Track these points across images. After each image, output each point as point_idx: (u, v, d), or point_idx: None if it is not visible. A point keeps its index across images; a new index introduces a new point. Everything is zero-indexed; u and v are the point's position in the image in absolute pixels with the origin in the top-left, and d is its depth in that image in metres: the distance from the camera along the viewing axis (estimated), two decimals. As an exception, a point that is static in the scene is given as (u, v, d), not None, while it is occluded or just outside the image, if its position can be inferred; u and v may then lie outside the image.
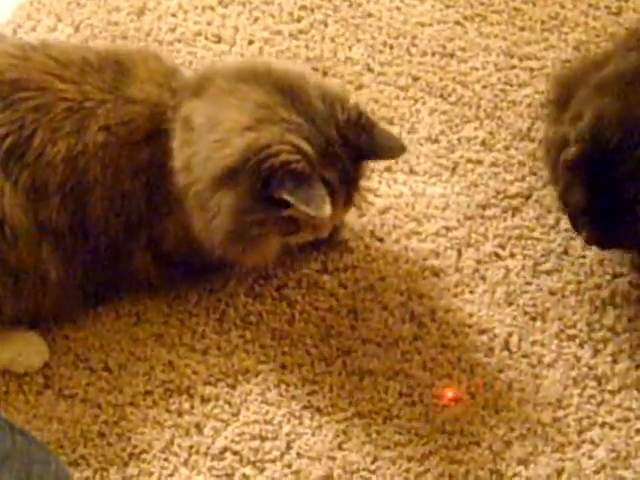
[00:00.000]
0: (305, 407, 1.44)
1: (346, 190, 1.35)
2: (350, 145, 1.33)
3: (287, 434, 1.42)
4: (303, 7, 1.82)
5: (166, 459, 1.40)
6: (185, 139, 1.35)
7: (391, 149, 1.38)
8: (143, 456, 1.40)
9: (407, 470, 1.40)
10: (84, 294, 1.44)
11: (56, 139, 1.35)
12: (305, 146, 1.30)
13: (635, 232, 1.40)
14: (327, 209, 1.27)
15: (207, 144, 1.32)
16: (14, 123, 1.34)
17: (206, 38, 1.78)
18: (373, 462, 1.41)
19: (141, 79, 1.40)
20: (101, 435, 1.41)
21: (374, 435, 1.42)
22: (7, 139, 1.34)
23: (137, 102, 1.38)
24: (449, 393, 1.44)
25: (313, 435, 1.42)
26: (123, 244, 1.41)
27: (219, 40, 1.78)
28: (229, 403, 1.44)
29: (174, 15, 1.81)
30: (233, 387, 1.45)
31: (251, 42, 1.78)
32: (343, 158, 1.33)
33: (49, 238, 1.37)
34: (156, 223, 1.41)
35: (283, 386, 1.45)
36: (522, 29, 1.79)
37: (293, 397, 1.45)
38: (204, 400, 1.44)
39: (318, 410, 1.44)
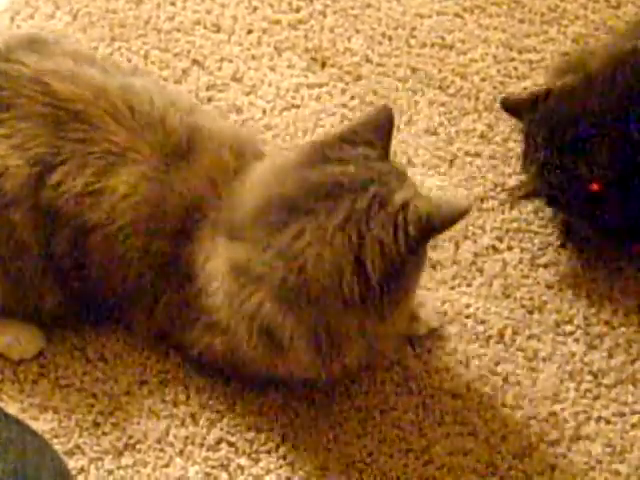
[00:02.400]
0: (301, 398, 1.44)
1: None
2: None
3: (282, 426, 1.42)
4: (302, -4, 1.81)
5: (161, 449, 1.40)
6: (243, 283, 1.26)
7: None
8: (138, 446, 1.40)
9: (405, 465, 1.40)
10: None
11: (79, 174, 1.32)
12: (405, 194, 1.25)
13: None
14: (465, 202, 1.31)
15: (309, 291, 1.23)
16: (53, 147, 1.32)
17: (205, 27, 1.78)
18: (369, 455, 1.41)
19: (195, 170, 1.33)
20: (96, 425, 1.41)
21: (370, 428, 1.42)
22: (42, 159, 1.32)
23: (176, 191, 1.33)
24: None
25: (309, 427, 1.42)
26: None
27: (218, 29, 1.77)
28: (225, 394, 1.44)
29: (173, 4, 1.80)
30: (229, 378, 1.45)
31: (250, 32, 1.77)
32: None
33: (52, 269, 1.36)
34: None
35: (279, 378, 1.46)
36: (521, 21, 1.79)
37: (289, 389, 1.45)
38: (200, 391, 1.44)
39: (313, 403, 1.44)
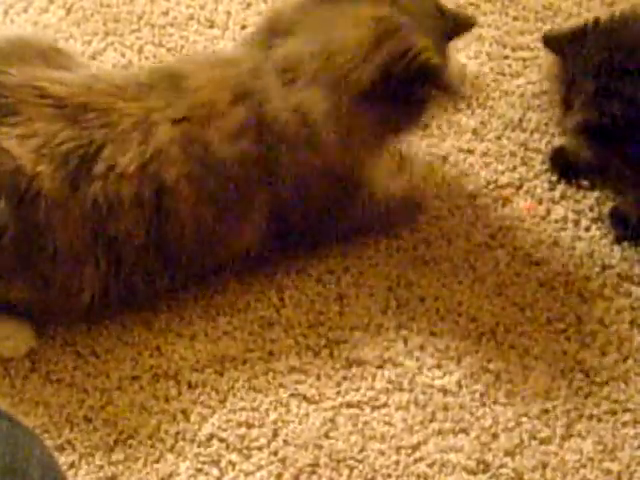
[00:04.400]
0: (292, 395, 1.44)
1: None
2: (441, 29, 1.46)
3: (274, 422, 1.42)
4: (296, -7, 1.81)
5: (152, 445, 1.40)
6: (290, 77, 1.39)
7: (465, 24, 1.50)
8: (129, 442, 1.40)
9: (396, 461, 1.40)
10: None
11: (126, 150, 1.35)
12: (428, 42, 1.40)
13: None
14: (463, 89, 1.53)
15: (333, 68, 1.38)
16: (83, 139, 1.34)
17: (199, 22, 1.77)
18: (361, 451, 1.41)
19: (197, 78, 1.41)
20: (87, 420, 1.41)
21: (361, 424, 1.42)
22: (77, 152, 1.34)
23: (202, 88, 1.40)
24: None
25: (300, 423, 1.42)
26: (227, 220, 1.41)
27: (212, 25, 1.77)
28: (216, 390, 1.44)
29: (167, -1, 1.80)
30: (220, 374, 1.45)
31: (244, 27, 1.77)
32: (444, 44, 1.46)
33: (100, 257, 1.36)
34: (272, 178, 1.41)
35: (270, 374, 1.45)
36: (515, 19, 1.79)
37: (280, 385, 1.45)
38: (191, 386, 1.44)
39: (305, 398, 1.44)
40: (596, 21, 1.49)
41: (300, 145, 1.40)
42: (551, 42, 1.52)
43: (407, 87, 1.40)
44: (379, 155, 1.48)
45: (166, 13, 1.78)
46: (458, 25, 1.49)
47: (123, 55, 1.72)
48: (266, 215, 1.43)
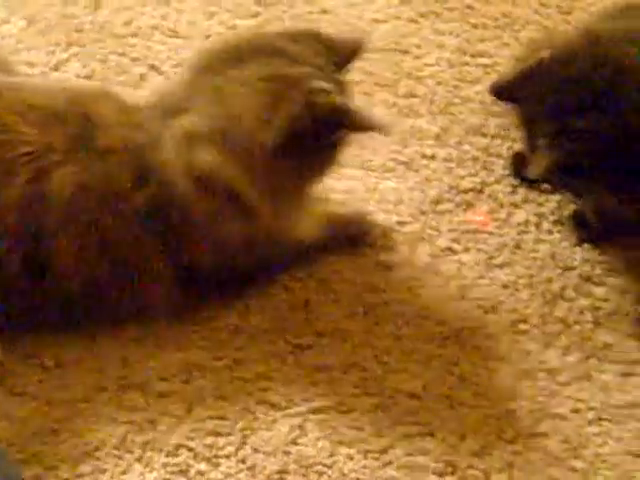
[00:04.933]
0: (260, 402, 1.44)
1: None
2: (334, 65, 1.41)
3: (242, 429, 1.42)
4: (259, 2, 1.83)
5: (120, 456, 1.39)
6: (193, 151, 1.34)
7: (355, 49, 1.45)
8: (96, 453, 1.39)
9: (364, 466, 1.40)
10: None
11: (12, 184, 1.31)
12: (327, 85, 1.36)
13: None
14: (381, 119, 1.40)
15: (239, 137, 1.34)
16: None
17: (162, 32, 1.78)
18: (329, 456, 1.41)
19: (105, 123, 1.37)
20: (53, 432, 1.40)
21: (329, 430, 1.43)
22: None
23: (110, 151, 1.35)
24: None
25: (268, 430, 1.42)
26: (123, 284, 1.40)
27: (175, 34, 1.78)
28: (183, 399, 1.44)
29: (130, 9, 1.80)
30: (187, 383, 1.45)
31: (207, 37, 1.78)
32: (343, 81, 1.42)
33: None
34: (178, 251, 1.39)
35: (237, 382, 1.45)
36: (475, 27, 1.81)
37: (248, 392, 1.45)
38: (158, 396, 1.44)
39: (273, 405, 1.44)
40: (540, 62, 1.46)
41: (210, 219, 1.37)
42: (499, 92, 1.51)
43: (318, 136, 1.35)
44: (299, 205, 1.44)
45: (129, 23, 1.78)
46: (348, 52, 1.43)
47: (86, 65, 1.72)
48: (172, 276, 1.41)
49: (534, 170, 1.44)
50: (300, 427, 1.43)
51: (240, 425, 1.42)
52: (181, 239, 1.38)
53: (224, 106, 1.34)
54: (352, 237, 1.54)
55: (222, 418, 1.43)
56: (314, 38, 1.41)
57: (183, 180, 1.35)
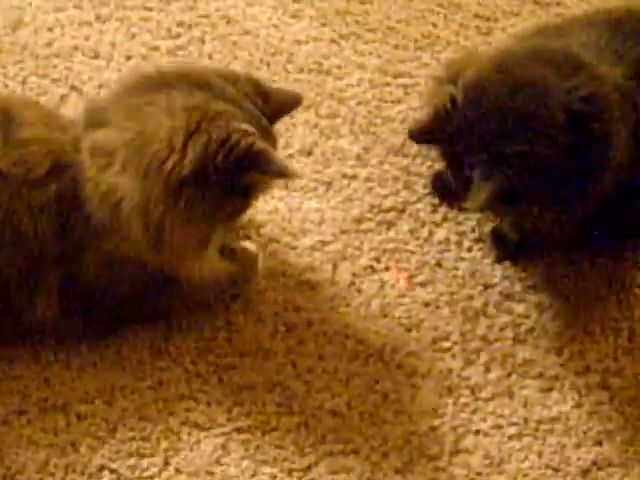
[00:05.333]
0: (183, 423, 1.44)
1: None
2: (264, 113, 1.39)
3: (165, 450, 1.42)
4: (181, 24, 1.82)
5: (42, 479, 1.38)
6: (102, 165, 1.34)
7: (292, 102, 1.45)
8: (17, 477, 1.38)
9: (288, 484, 1.41)
10: None
11: None
12: (250, 127, 1.34)
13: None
14: (296, 168, 1.36)
15: (144, 159, 1.31)
16: None
17: (83, 53, 1.77)
18: (253, 476, 1.41)
19: (28, 122, 1.38)
20: (-27, 457, 1.39)
21: (253, 449, 1.43)
22: None
23: (30, 142, 1.36)
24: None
25: (191, 450, 1.42)
26: (19, 293, 1.38)
27: (96, 55, 1.77)
28: (106, 420, 1.43)
29: (51, 29, 1.79)
30: (110, 404, 1.44)
31: (129, 58, 1.77)
32: (268, 127, 1.39)
33: None
34: (72, 259, 1.38)
35: (160, 402, 1.45)
36: (396, 47, 1.83)
37: (171, 413, 1.44)
38: (80, 418, 1.43)
39: (196, 425, 1.44)
40: (453, 100, 1.43)
41: (108, 233, 1.36)
42: (418, 137, 1.47)
43: (230, 176, 1.32)
44: (202, 246, 1.39)
45: (50, 44, 1.77)
46: (283, 104, 1.43)
47: (6, 86, 1.71)
48: (59, 292, 1.40)
49: (474, 203, 1.41)
50: (223, 447, 1.43)
51: (163, 446, 1.42)
52: (78, 245, 1.37)
53: (140, 126, 1.32)
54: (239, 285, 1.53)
55: (145, 439, 1.42)
56: (251, 83, 1.40)
57: (91, 188, 1.35)
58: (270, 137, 1.39)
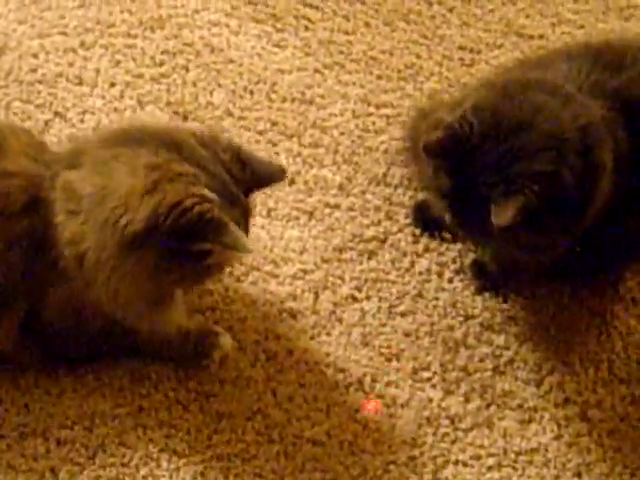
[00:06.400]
0: (162, 450, 1.44)
1: (246, 224, 1.38)
2: (239, 182, 1.36)
3: (144, 477, 1.41)
4: (165, 51, 1.83)
5: (19, 505, 1.38)
6: (71, 210, 1.33)
7: (273, 175, 1.41)
8: (-5, 503, 1.38)
9: (267, 512, 1.41)
10: None
11: None
12: (209, 194, 1.30)
13: (485, 225, 1.39)
14: (250, 244, 1.31)
15: (104, 212, 1.30)
16: None
17: (67, 80, 1.77)
18: (231, 504, 1.41)
19: (14, 152, 1.38)
20: (-49, 482, 1.38)
21: (232, 477, 1.43)
22: None
23: (11, 175, 1.36)
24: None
25: (170, 478, 1.42)
26: None
27: (80, 82, 1.78)
28: (85, 446, 1.43)
29: (35, 56, 1.79)
30: (90, 430, 1.44)
31: (112, 85, 1.78)
32: (239, 195, 1.36)
33: None
34: (37, 294, 1.38)
35: (140, 429, 1.45)
36: (379, 77, 1.85)
37: (150, 440, 1.44)
38: (60, 443, 1.42)
39: (176, 452, 1.44)
40: (470, 125, 1.41)
41: (73, 278, 1.35)
42: (433, 150, 1.43)
43: (179, 240, 1.29)
44: (159, 305, 1.39)
45: (35, 70, 1.78)
46: (263, 175, 1.39)
47: (-10, 111, 1.71)
48: (20, 324, 1.40)
49: (504, 217, 1.37)
50: (202, 474, 1.42)
51: (143, 472, 1.42)
52: (44, 282, 1.37)
53: (104, 180, 1.31)
54: (194, 353, 1.51)
55: (125, 465, 1.42)
56: (231, 150, 1.37)
57: (59, 233, 1.34)
58: (238, 206, 1.35)
